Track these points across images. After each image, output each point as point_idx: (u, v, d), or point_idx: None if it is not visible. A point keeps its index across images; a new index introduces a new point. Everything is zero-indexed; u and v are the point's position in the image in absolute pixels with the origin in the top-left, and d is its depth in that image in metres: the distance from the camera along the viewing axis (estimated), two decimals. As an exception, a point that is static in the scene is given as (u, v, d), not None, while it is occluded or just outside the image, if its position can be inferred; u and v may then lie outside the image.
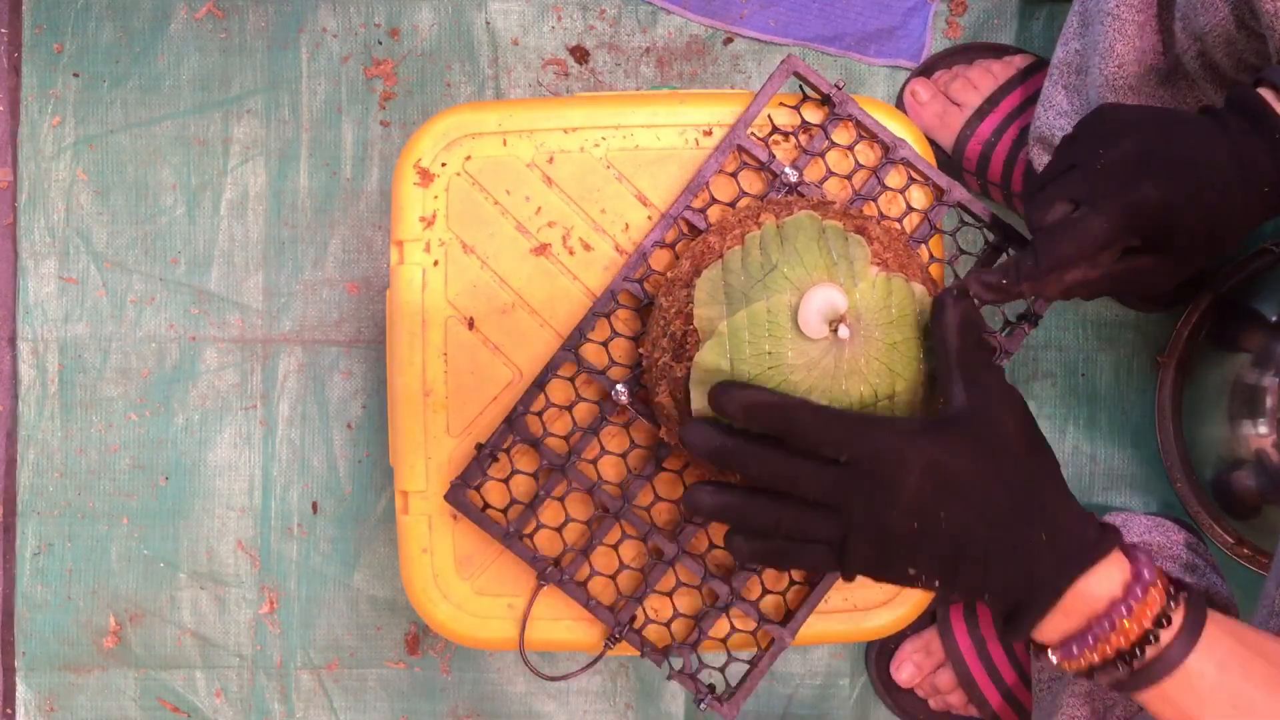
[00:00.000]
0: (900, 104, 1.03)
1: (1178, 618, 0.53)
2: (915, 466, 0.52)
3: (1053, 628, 0.54)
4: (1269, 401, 0.95)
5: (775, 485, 0.54)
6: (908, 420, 0.55)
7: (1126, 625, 0.53)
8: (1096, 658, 0.53)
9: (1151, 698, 0.54)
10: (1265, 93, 0.61)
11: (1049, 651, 0.55)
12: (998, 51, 1.02)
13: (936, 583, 0.54)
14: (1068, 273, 0.60)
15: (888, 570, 0.54)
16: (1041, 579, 0.53)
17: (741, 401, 0.55)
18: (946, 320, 0.57)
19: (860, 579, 0.60)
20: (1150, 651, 0.53)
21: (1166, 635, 0.53)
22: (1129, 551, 0.55)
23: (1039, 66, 0.99)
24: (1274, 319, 0.97)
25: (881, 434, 0.53)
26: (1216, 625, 0.54)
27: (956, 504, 0.52)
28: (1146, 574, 0.54)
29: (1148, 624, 0.53)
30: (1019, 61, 1.00)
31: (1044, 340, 1.06)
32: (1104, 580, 0.53)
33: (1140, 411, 1.06)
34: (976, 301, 0.60)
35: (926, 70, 1.03)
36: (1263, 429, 0.95)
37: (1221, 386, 0.99)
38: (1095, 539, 0.54)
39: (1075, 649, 0.54)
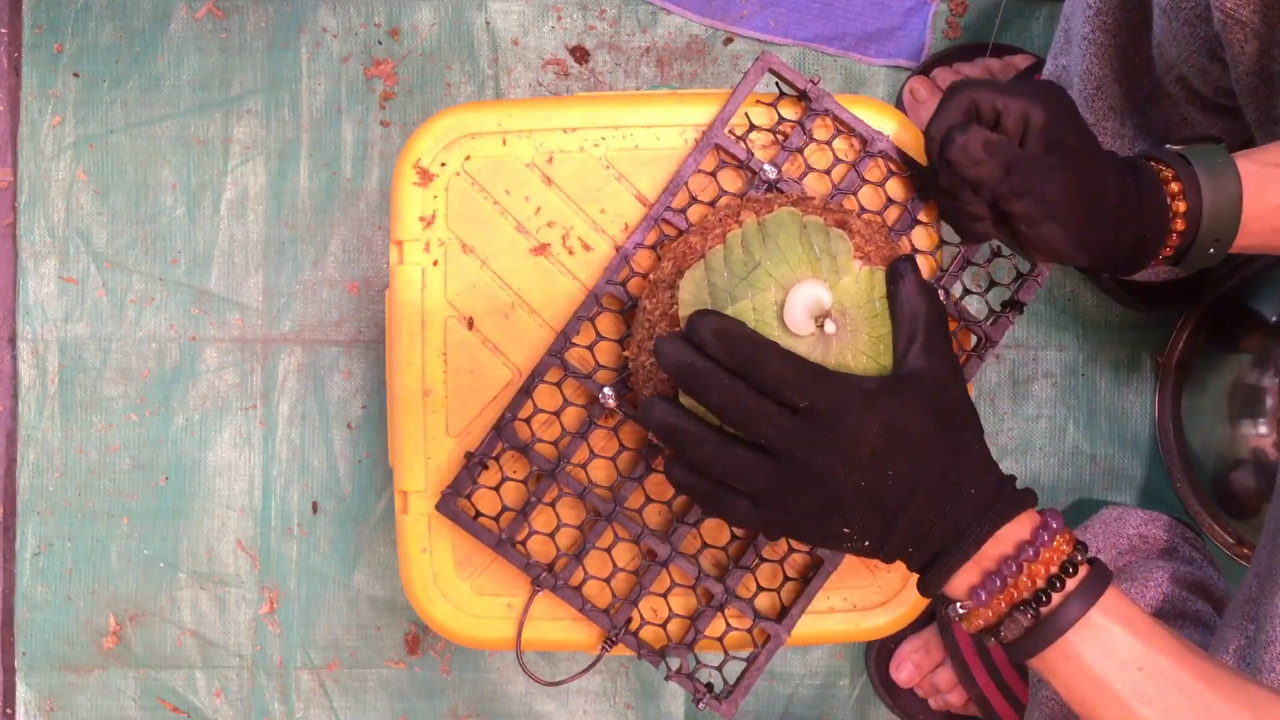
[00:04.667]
0: (900, 104, 1.03)
1: (1083, 569, 0.54)
2: (875, 423, 0.53)
3: (965, 578, 0.55)
4: (1269, 401, 0.95)
5: (731, 417, 0.54)
6: (864, 378, 0.56)
7: (1033, 568, 0.53)
8: (1004, 604, 0.54)
9: (1055, 659, 0.54)
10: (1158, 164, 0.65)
11: (957, 605, 0.56)
12: (998, 52, 1.02)
13: (867, 541, 0.55)
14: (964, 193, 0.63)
15: (820, 526, 0.55)
16: (965, 528, 0.54)
17: (716, 327, 0.55)
18: (910, 283, 0.58)
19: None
20: (1055, 598, 0.53)
21: (1072, 583, 0.53)
22: (1041, 510, 0.56)
23: (1038, 67, 0.99)
24: (1274, 319, 0.97)
25: (843, 388, 0.54)
26: (1120, 594, 0.55)
27: (904, 463, 0.53)
28: (1054, 524, 0.55)
29: (1054, 568, 0.53)
30: (1019, 62, 1.00)
31: (1044, 340, 1.06)
32: (1015, 528, 0.54)
33: (1140, 411, 1.06)
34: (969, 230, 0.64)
35: (926, 70, 1.03)
36: (1263, 429, 0.95)
37: (1221, 387, 0.99)
38: (1015, 496, 0.55)
39: (984, 594, 0.54)
